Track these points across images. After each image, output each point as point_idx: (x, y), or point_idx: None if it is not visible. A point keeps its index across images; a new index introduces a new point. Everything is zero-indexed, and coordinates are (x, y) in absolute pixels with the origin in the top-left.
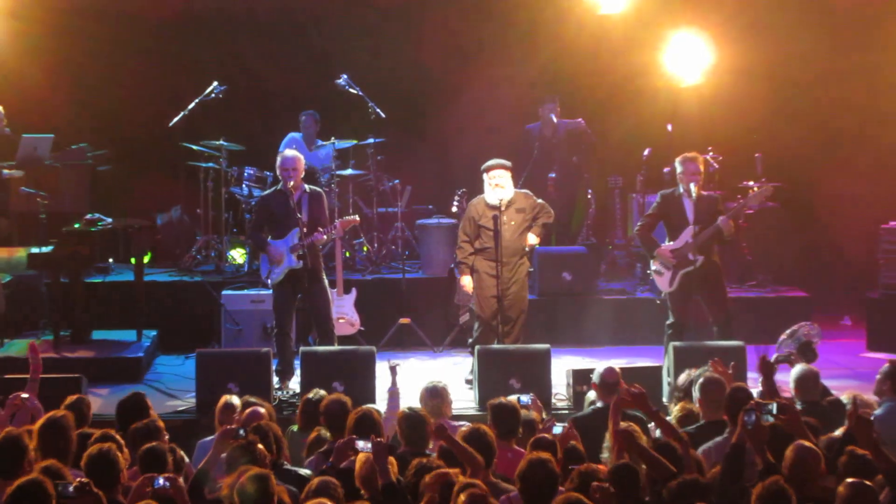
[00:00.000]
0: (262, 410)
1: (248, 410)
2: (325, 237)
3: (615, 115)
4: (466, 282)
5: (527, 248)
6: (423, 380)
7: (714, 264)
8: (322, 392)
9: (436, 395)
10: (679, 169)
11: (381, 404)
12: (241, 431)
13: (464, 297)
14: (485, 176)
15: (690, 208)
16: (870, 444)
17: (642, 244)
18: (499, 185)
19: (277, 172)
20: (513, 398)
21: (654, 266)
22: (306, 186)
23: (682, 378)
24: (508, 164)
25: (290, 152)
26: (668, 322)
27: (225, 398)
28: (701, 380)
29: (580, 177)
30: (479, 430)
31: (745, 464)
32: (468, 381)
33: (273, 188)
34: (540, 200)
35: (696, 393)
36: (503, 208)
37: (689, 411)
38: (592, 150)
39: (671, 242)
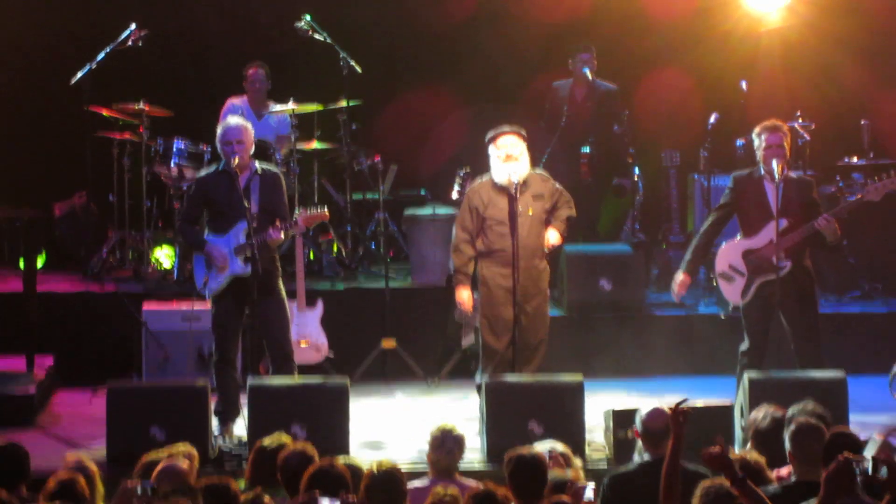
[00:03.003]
0: (184, 465)
1: (161, 465)
2: (282, 235)
3: (670, 70)
4: (465, 297)
5: (546, 249)
6: (412, 422)
7: (805, 271)
8: (283, 439)
9: (453, 444)
10: (758, 142)
11: (356, 453)
12: (146, 488)
13: (465, 314)
14: (491, 147)
15: (774, 195)
16: None
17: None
18: (511, 157)
19: (218, 147)
20: (542, 447)
21: (721, 269)
22: (257, 165)
23: (757, 416)
24: (522, 130)
25: (235, 119)
26: (741, 347)
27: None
28: (793, 426)
29: (623, 153)
30: (491, 494)
31: None
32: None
33: (212, 168)
34: (558, 185)
35: (787, 443)
36: (517, 191)
37: (755, 465)
38: (624, 128)
39: (745, 238)
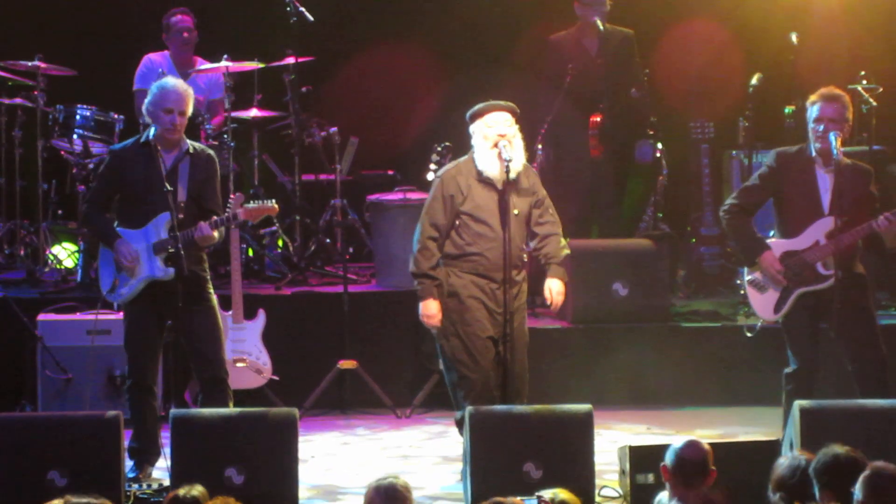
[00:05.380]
0: None
1: None
2: (215, 234)
3: (701, 20)
4: (431, 309)
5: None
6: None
7: (859, 279)
8: (197, 489)
9: (393, 499)
10: (810, 113)
11: None
12: None
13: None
14: (476, 125)
15: (827, 184)
16: None
17: (733, 236)
18: (504, 138)
19: (145, 114)
20: (547, 497)
21: (750, 275)
22: (188, 142)
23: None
24: (513, 106)
25: (175, 82)
26: (787, 370)
27: None
28: (868, 471)
29: (643, 123)
30: None
31: None
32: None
33: (132, 140)
34: (546, 197)
35: (857, 493)
36: (506, 184)
37: None
38: (644, 92)
39: (784, 239)
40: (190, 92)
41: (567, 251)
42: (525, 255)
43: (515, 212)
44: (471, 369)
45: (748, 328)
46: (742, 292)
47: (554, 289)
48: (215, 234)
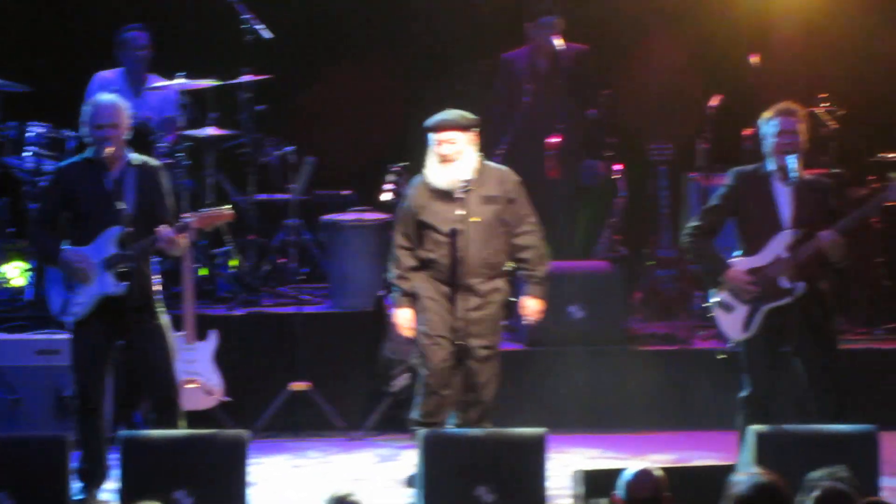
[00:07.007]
0: None
1: None
2: (181, 240)
3: (660, 40)
4: (404, 318)
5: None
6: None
7: (821, 296)
8: None
9: None
10: (766, 130)
11: None
12: None
13: (402, 344)
14: (430, 136)
15: (787, 199)
16: None
17: (696, 259)
18: (447, 158)
19: (85, 131)
20: None
21: (716, 297)
22: (133, 155)
23: (739, 479)
24: (469, 118)
25: (107, 97)
26: (742, 394)
27: None
28: (817, 492)
29: (600, 144)
30: None
31: None
32: (409, 484)
33: (77, 157)
34: (523, 193)
35: None
36: (459, 193)
37: None
38: (602, 112)
39: (747, 257)
40: (122, 105)
41: (545, 267)
42: (506, 265)
43: (474, 219)
44: (426, 367)
45: (719, 351)
46: (709, 315)
47: (530, 307)
48: (180, 239)
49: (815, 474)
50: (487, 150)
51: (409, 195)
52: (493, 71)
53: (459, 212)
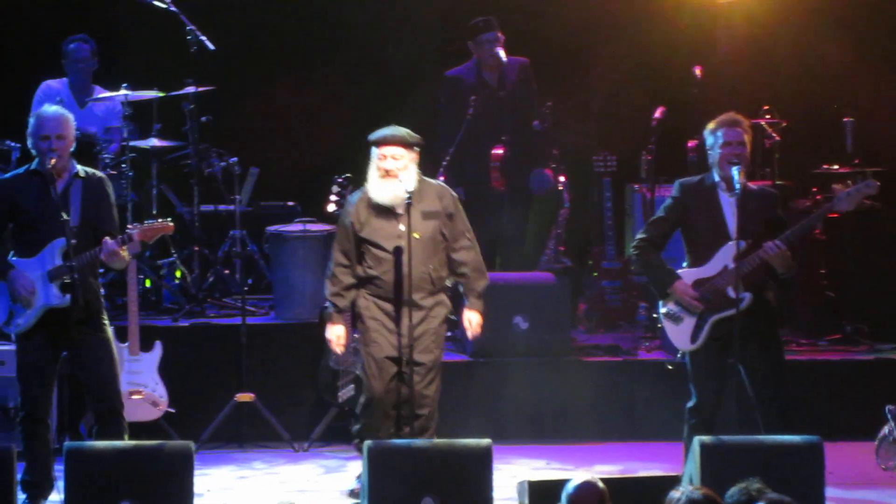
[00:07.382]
0: None
1: None
2: (124, 253)
3: (604, 52)
4: (334, 334)
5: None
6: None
7: (767, 306)
8: None
9: None
10: (712, 141)
11: None
12: None
13: (347, 356)
14: (373, 151)
15: (731, 209)
16: None
17: (644, 270)
18: (390, 174)
19: (30, 143)
20: None
21: (664, 308)
22: (78, 167)
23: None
24: (414, 137)
25: (52, 108)
26: (689, 404)
27: None
28: None
29: (546, 156)
30: None
31: None
32: (352, 494)
33: (22, 169)
34: (459, 208)
35: None
36: (400, 210)
37: None
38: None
39: (694, 268)
40: (67, 116)
41: (484, 281)
42: (446, 280)
43: (416, 235)
44: (371, 388)
45: (668, 362)
46: (658, 325)
47: (473, 321)
48: (123, 251)
49: (733, 490)
50: (433, 165)
51: (348, 212)
52: (438, 87)
53: (401, 227)
